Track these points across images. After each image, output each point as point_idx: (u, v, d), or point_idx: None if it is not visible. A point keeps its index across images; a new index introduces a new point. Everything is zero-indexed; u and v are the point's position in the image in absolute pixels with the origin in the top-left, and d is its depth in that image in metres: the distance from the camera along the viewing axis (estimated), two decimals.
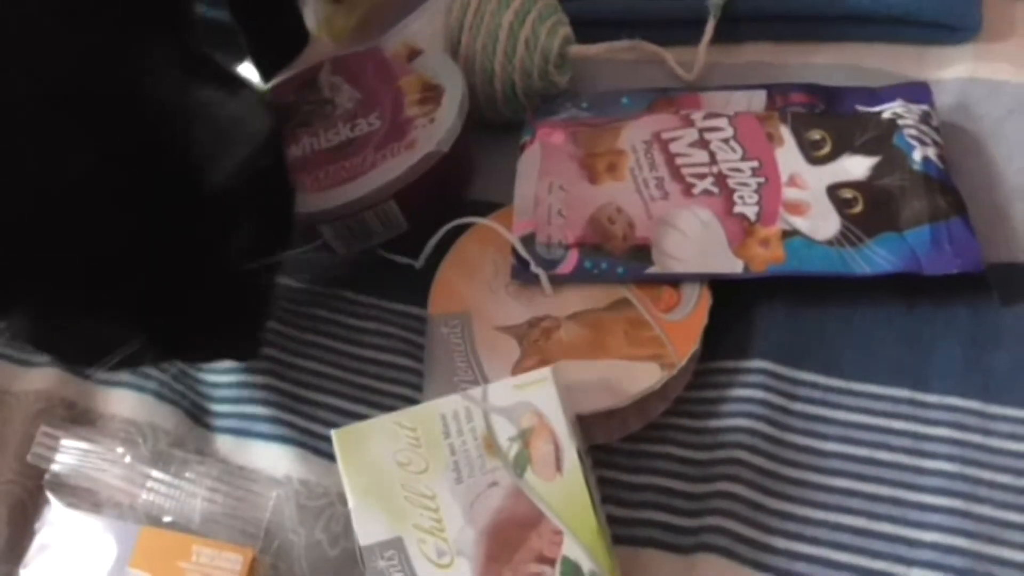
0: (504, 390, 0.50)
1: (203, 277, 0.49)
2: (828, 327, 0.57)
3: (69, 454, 0.57)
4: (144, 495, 0.56)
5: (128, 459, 0.57)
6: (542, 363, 0.56)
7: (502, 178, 0.67)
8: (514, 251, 0.60)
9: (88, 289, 0.47)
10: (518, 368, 0.57)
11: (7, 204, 0.47)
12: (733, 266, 0.57)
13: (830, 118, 0.61)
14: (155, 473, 0.57)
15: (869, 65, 0.67)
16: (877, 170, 0.59)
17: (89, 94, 0.47)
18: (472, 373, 0.57)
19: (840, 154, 0.60)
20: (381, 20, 0.76)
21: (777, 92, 0.64)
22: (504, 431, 0.49)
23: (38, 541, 0.56)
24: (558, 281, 0.59)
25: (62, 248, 0.47)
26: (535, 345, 0.57)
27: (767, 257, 0.57)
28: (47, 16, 0.47)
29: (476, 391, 0.50)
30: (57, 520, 0.56)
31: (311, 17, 0.76)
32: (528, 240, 0.60)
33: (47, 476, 0.57)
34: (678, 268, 0.58)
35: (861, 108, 0.62)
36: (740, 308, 0.58)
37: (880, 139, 0.60)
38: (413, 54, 0.67)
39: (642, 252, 0.58)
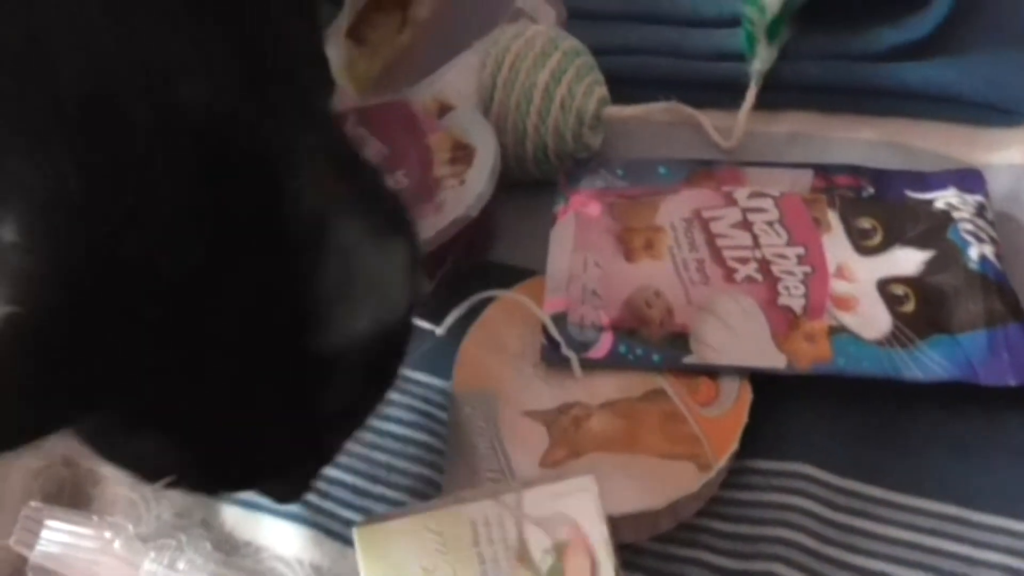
0: (541, 498, 0.47)
1: (279, 423, 0.43)
2: (872, 432, 0.54)
3: (54, 538, 0.54)
4: None
5: (117, 545, 0.53)
6: (572, 455, 0.54)
7: (527, 241, 0.64)
8: (544, 330, 0.57)
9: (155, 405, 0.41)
10: (547, 459, 0.54)
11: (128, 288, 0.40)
12: (776, 361, 0.55)
13: (880, 205, 0.59)
14: (147, 564, 0.53)
15: (917, 144, 0.65)
16: (931, 266, 0.56)
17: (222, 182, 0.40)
18: (497, 461, 0.54)
19: (891, 245, 0.57)
20: (406, 68, 0.73)
21: (823, 172, 0.61)
22: (538, 543, 0.46)
23: None
24: (590, 365, 0.56)
25: (149, 351, 0.40)
26: (565, 434, 0.54)
27: (812, 354, 0.54)
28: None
29: (510, 496, 0.47)
30: None
31: (332, 61, 0.72)
32: (560, 319, 0.57)
33: (30, 562, 0.54)
34: (717, 359, 0.55)
35: (911, 194, 0.60)
36: (779, 404, 0.55)
37: (933, 232, 0.57)
38: (443, 110, 0.64)
39: (680, 340, 0.56)
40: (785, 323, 0.55)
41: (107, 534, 0.54)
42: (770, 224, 0.58)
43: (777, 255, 0.57)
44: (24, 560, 0.54)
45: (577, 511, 0.46)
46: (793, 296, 0.56)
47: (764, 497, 0.54)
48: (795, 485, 0.53)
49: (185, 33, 0.41)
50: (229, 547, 0.57)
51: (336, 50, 0.74)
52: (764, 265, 0.57)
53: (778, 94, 0.68)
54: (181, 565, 0.53)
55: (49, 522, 0.54)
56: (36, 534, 0.54)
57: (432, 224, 0.59)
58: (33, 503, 0.54)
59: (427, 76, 0.70)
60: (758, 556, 0.52)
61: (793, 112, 0.68)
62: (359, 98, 0.70)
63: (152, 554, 0.54)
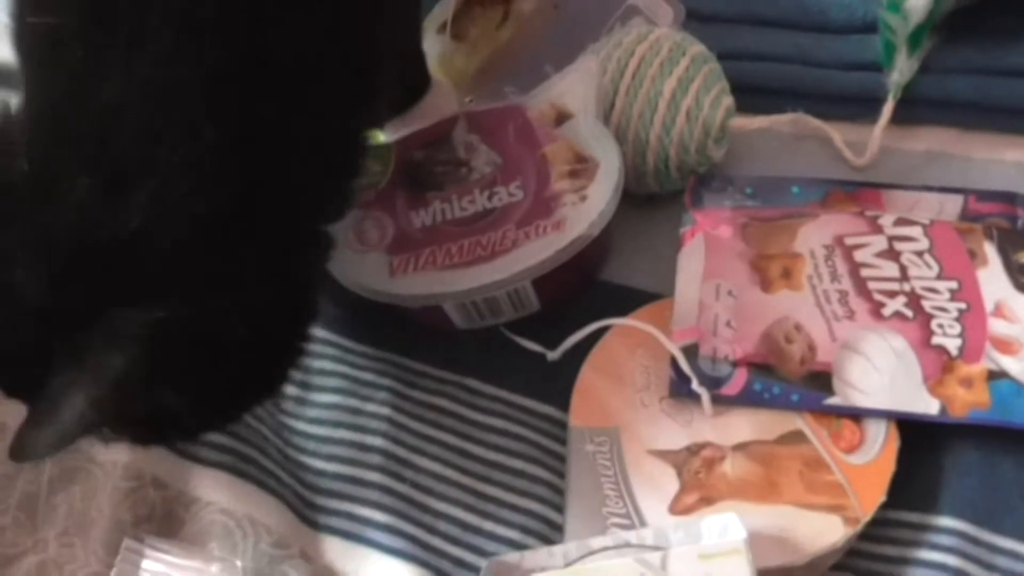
0: (687, 559, 0.43)
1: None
2: None
3: (156, 569, 0.50)
4: None
5: None
6: (705, 500, 0.50)
7: (644, 260, 0.60)
8: (673, 362, 0.53)
9: None
10: (677, 504, 0.50)
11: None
12: (928, 406, 0.50)
13: None
14: None
15: None
16: None
17: None
18: (623, 504, 0.50)
19: None
20: (508, 66, 0.69)
21: (974, 198, 0.57)
22: None
23: None
24: (722, 403, 0.52)
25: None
26: (696, 478, 0.50)
27: (969, 400, 0.50)
28: None
29: (654, 556, 0.43)
30: None
31: (428, 56, 0.68)
32: (690, 351, 0.53)
33: None
34: (864, 402, 0.51)
35: None
36: (929, 452, 0.51)
37: None
38: (562, 118, 0.60)
39: (821, 379, 0.51)
40: (939, 365, 0.51)
41: (213, 568, 0.50)
42: (919, 254, 0.54)
43: (928, 289, 0.53)
44: None
45: (727, 573, 0.43)
46: (948, 336, 0.51)
47: (911, 553, 0.50)
48: (945, 542, 0.49)
49: None
50: None
51: (432, 45, 0.70)
52: (914, 300, 0.53)
53: (917, 109, 0.63)
54: None
55: (150, 553, 0.51)
56: (137, 567, 0.50)
57: (550, 243, 0.55)
58: (129, 542, 0.51)
59: (530, 74, 0.66)
60: None
61: (932, 128, 0.63)
62: (467, 101, 0.66)
63: None
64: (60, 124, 0.43)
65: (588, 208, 0.56)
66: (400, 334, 0.60)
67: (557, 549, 0.48)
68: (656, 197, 0.62)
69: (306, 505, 0.55)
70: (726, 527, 0.46)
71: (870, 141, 0.62)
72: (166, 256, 0.41)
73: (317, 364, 0.59)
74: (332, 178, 0.48)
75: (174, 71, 0.42)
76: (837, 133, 0.63)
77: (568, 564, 0.46)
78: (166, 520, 0.55)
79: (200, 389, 0.44)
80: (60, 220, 0.41)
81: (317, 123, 0.46)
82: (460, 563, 0.52)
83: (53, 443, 0.41)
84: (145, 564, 0.50)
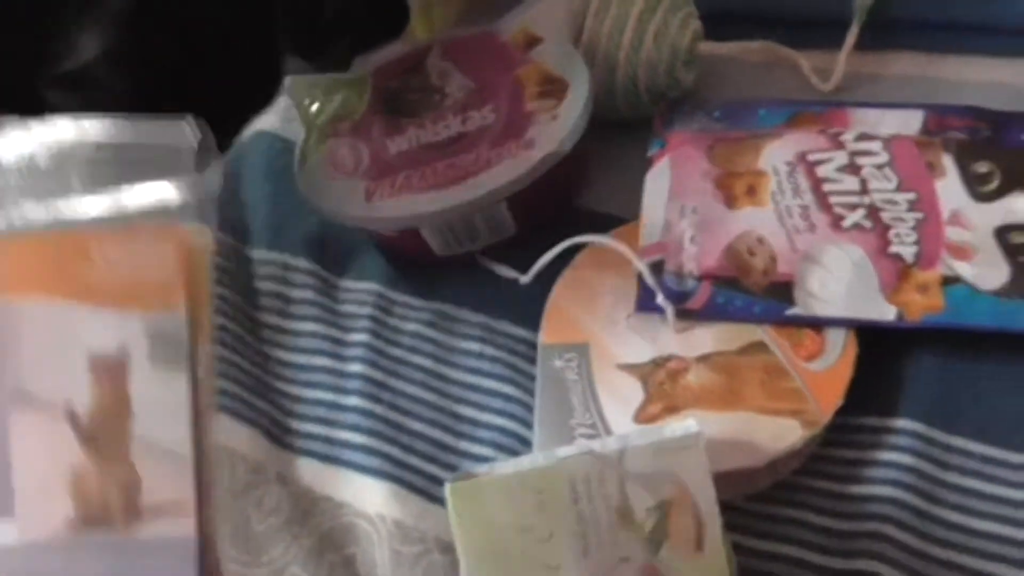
0: (644, 454, 0.44)
1: None
2: (986, 386, 0.51)
3: None
4: None
5: None
6: (669, 409, 0.51)
7: (618, 187, 0.61)
8: (639, 279, 0.54)
9: None
10: (642, 414, 0.51)
11: None
12: (885, 313, 0.52)
13: (999, 149, 0.55)
14: None
15: None
16: None
17: None
18: (591, 415, 0.52)
19: (1010, 191, 0.54)
20: (486, 6, 0.70)
21: (936, 114, 0.58)
22: (641, 501, 0.44)
23: None
24: (687, 316, 0.53)
25: None
26: (661, 389, 0.52)
27: (924, 305, 0.51)
28: None
29: (612, 452, 0.44)
30: None
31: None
32: (656, 268, 0.54)
33: None
34: (824, 311, 0.52)
35: None
36: (887, 358, 0.52)
37: None
38: (533, 42, 0.61)
39: (783, 290, 0.53)
40: (896, 273, 0.52)
41: None
42: (879, 168, 0.55)
43: (887, 201, 0.54)
44: None
45: (682, 468, 0.44)
46: (905, 244, 0.53)
47: (870, 455, 0.51)
48: (902, 442, 0.51)
49: None
50: (307, 503, 0.55)
51: None
52: (873, 212, 0.54)
53: (883, 33, 0.64)
54: None
55: None
56: None
57: (522, 160, 0.57)
58: None
59: (509, 11, 0.68)
60: (864, 516, 0.49)
61: (899, 52, 0.64)
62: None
63: None
64: None
65: (559, 126, 0.58)
66: (380, 265, 0.62)
67: (524, 459, 0.49)
68: (628, 124, 0.63)
69: (283, 431, 0.57)
70: (685, 429, 0.47)
71: (835, 66, 0.63)
72: None
73: (297, 293, 0.61)
74: None
75: None
76: (805, 60, 0.64)
77: None
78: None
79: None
80: None
81: None
82: (435, 480, 0.54)
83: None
84: None
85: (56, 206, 0.38)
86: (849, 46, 0.63)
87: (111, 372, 0.36)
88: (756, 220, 0.55)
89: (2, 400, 0.36)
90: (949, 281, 0.52)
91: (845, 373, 0.51)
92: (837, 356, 0.51)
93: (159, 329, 0.36)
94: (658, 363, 0.53)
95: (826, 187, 0.55)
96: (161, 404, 0.36)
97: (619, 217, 0.60)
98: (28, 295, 0.37)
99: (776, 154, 0.56)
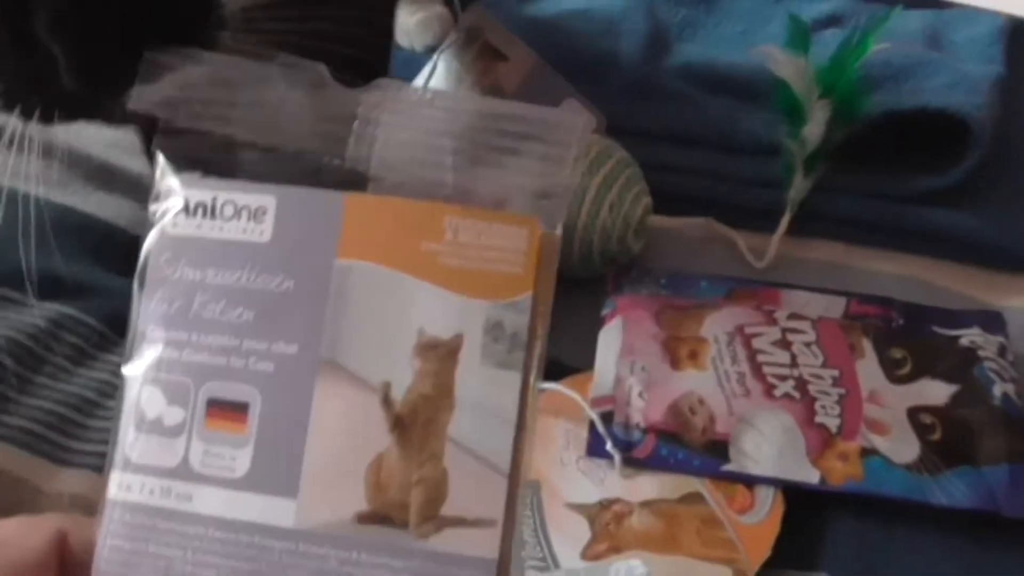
0: None
1: None
2: (896, 549, 0.57)
3: None
4: None
5: None
6: (613, 549, 0.56)
7: (569, 337, 0.66)
8: (591, 427, 0.59)
9: None
10: (589, 551, 0.56)
11: None
12: (810, 476, 0.57)
13: (911, 338, 0.63)
14: None
15: (938, 282, 0.69)
16: (956, 399, 0.60)
17: None
18: (541, 550, 0.56)
19: (920, 376, 0.61)
20: None
21: (857, 301, 0.65)
22: None
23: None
24: (633, 465, 0.58)
25: None
26: (606, 529, 0.56)
27: (845, 472, 0.57)
28: None
29: None
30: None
31: None
32: (607, 418, 0.59)
33: None
34: (755, 470, 0.58)
35: (939, 330, 0.63)
36: (809, 516, 0.58)
37: (960, 368, 0.61)
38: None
39: (719, 447, 0.58)
40: (821, 441, 0.58)
41: None
42: (807, 345, 0.62)
43: (813, 375, 0.61)
44: None
45: None
46: (829, 416, 0.59)
47: None
48: None
49: None
50: None
51: None
52: (801, 384, 0.60)
53: (811, 223, 0.72)
54: None
55: None
56: None
57: None
58: None
59: None
60: None
61: (824, 241, 0.72)
62: None
63: None
64: None
65: None
66: None
67: None
68: (581, 282, 0.69)
69: None
70: (631, 569, 0.51)
71: (769, 248, 0.71)
72: None
73: None
74: None
75: None
76: (741, 239, 0.72)
77: None
78: None
79: None
80: None
81: None
82: None
83: None
84: None
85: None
86: (781, 232, 0.71)
87: (439, 358, 0.32)
88: (697, 382, 0.60)
89: (312, 365, 0.32)
90: (867, 453, 0.58)
91: (773, 528, 0.56)
92: (767, 512, 0.57)
93: (499, 322, 0.32)
94: (604, 505, 0.57)
95: (760, 358, 0.61)
96: (487, 406, 0.32)
97: (567, 364, 0.64)
98: (366, 259, 0.33)
99: (717, 324, 0.63)
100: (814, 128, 0.71)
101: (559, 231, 0.34)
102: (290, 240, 0.33)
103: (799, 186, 0.72)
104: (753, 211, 0.73)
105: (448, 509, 0.31)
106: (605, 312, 0.65)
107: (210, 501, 0.32)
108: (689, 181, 0.74)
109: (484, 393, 0.32)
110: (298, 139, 0.35)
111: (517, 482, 0.32)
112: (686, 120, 0.77)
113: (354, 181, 0.34)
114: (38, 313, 0.66)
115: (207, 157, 0.35)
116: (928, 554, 0.57)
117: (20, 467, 0.59)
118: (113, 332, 0.65)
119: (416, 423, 0.32)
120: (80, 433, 0.60)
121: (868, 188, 0.72)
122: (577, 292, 0.68)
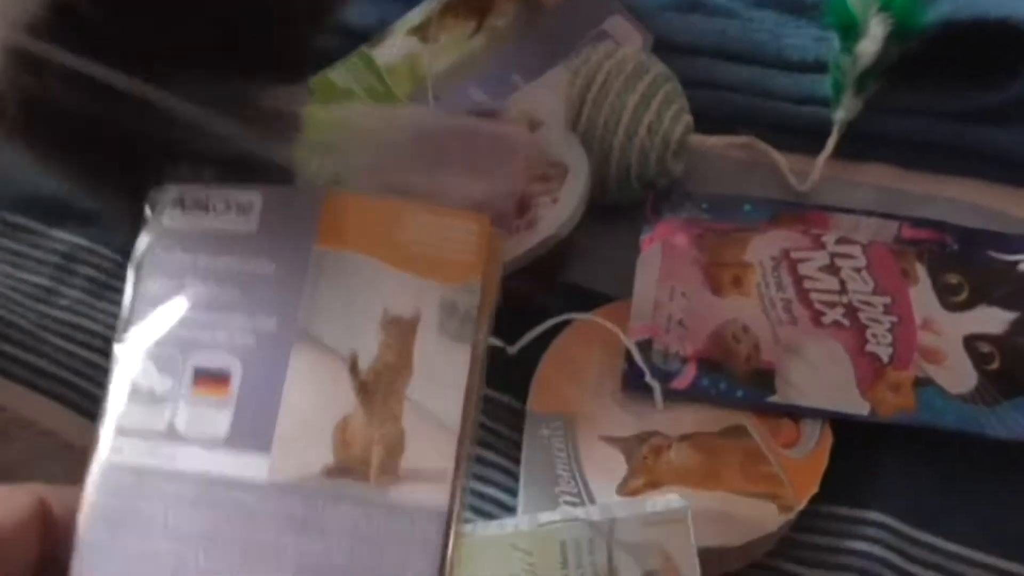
0: (633, 524, 0.46)
1: None
2: (952, 486, 0.54)
3: None
4: None
5: None
6: (650, 484, 0.53)
7: (606, 266, 0.64)
8: (627, 356, 0.56)
9: None
10: (625, 487, 0.53)
11: None
12: (859, 407, 0.54)
13: (966, 263, 0.59)
14: None
15: (994, 206, 0.65)
16: (1016, 327, 0.56)
17: None
18: (575, 485, 0.53)
19: (977, 303, 0.57)
20: (474, 71, 0.72)
21: (907, 224, 0.61)
22: (628, 570, 0.46)
23: None
24: (672, 396, 0.55)
25: None
26: (643, 463, 0.54)
27: (896, 403, 0.54)
28: None
29: (603, 521, 0.46)
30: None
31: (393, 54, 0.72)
32: (644, 347, 0.57)
33: None
34: (802, 401, 0.55)
35: (995, 255, 0.60)
36: (859, 451, 0.55)
37: (1019, 294, 0.57)
38: (532, 126, 0.64)
39: (765, 378, 0.55)
40: (871, 370, 0.55)
41: None
42: (857, 271, 0.58)
43: (863, 302, 0.57)
44: None
45: (669, 541, 0.46)
46: (880, 344, 0.56)
47: (840, 543, 0.53)
48: (871, 533, 0.53)
49: None
50: None
51: (401, 46, 0.73)
52: (851, 311, 0.57)
53: (859, 145, 0.68)
54: None
55: None
56: None
57: (523, 241, 0.59)
58: None
59: (497, 81, 0.70)
60: None
61: (872, 164, 0.68)
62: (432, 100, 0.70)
63: None
64: None
65: (559, 210, 0.60)
66: None
67: (508, 521, 0.50)
68: (618, 207, 0.66)
69: None
70: (669, 503, 0.49)
71: (813, 170, 0.67)
72: None
73: None
74: None
75: None
76: (785, 161, 0.68)
77: None
78: None
79: None
80: None
81: None
82: None
83: None
84: None
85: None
86: (827, 154, 0.67)
87: (401, 332, 0.36)
88: (741, 309, 0.57)
89: (289, 335, 0.36)
90: (921, 382, 0.55)
91: (821, 462, 0.53)
92: (813, 445, 0.54)
93: (452, 302, 0.37)
94: (642, 438, 0.55)
95: (807, 284, 0.58)
96: (440, 374, 0.36)
97: (603, 293, 0.62)
98: (340, 246, 0.38)
99: (762, 249, 0.60)
100: (869, 44, 0.66)
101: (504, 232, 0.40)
102: (274, 230, 0.38)
103: (849, 105, 0.67)
104: (799, 131, 0.68)
105: (405, 463, 0.35)
106: (643, 237, 0.62)
107: (192, 460, 0.35)
108: (731, 99, 0.70)
109: (438, 362, 0.36)
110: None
111: (464, 440, 0.36)
112: (730, 35, 0.73)
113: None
114: (50, 246, 0.64)
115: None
116: (986, 491, 0.54)
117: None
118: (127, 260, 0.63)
119: (379, 388, 0.36)
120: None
121: (920, 106, 0.68)
122: (612, 217, 0.65)
